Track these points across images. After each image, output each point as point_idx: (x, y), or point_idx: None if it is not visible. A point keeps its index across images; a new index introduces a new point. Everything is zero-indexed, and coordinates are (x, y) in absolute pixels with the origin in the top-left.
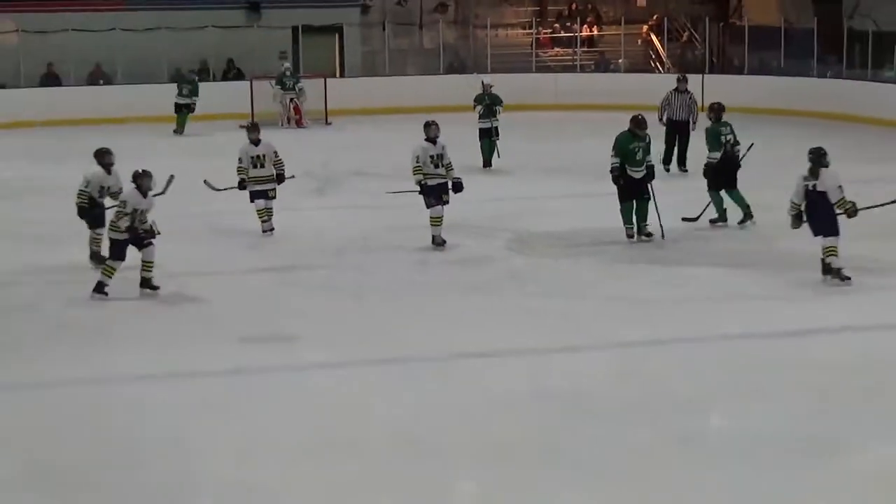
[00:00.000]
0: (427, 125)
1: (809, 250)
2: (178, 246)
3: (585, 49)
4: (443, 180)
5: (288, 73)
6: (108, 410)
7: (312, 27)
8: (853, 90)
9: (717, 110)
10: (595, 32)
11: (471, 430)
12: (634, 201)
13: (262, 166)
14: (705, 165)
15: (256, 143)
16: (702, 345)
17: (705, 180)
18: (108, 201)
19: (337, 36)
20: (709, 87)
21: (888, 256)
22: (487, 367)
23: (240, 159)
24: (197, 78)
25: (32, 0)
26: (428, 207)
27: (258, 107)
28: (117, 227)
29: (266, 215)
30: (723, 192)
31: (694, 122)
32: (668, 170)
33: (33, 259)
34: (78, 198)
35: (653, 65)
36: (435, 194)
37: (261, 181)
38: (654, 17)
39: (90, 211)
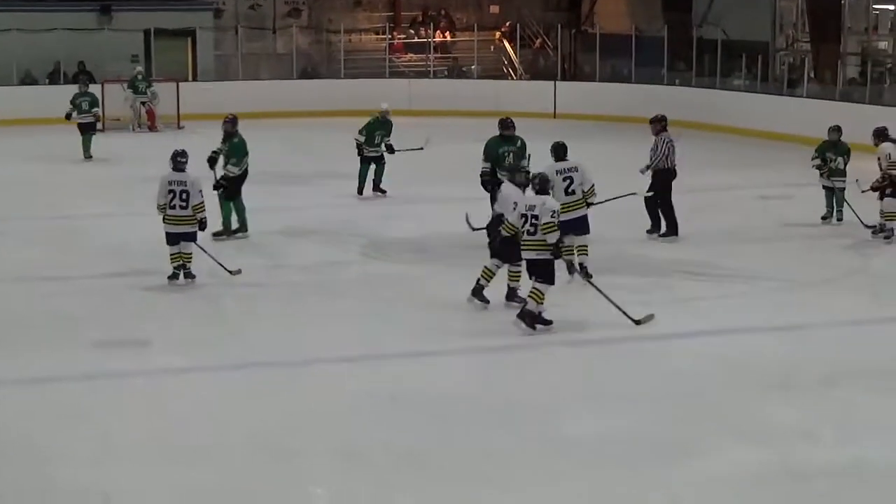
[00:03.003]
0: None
1: (662, 257)
2: (30, 249)
3: (438, 55)
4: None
5: (140, 77)
6: None
7: (165, 31)
8: (702, 98)
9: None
10: (448, 38)
11: (326, 434)
12: None
13: None
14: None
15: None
16: (561, 349)
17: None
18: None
19: (189, 40)
20: (560, 95)
21: (735, 263)
22: (343, 371)
23: None
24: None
25: None
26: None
27: (109, 110)
28: (541, 242)
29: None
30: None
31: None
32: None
33: None
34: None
35: (505, 71)
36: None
37: None
38: (507, 23)
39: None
